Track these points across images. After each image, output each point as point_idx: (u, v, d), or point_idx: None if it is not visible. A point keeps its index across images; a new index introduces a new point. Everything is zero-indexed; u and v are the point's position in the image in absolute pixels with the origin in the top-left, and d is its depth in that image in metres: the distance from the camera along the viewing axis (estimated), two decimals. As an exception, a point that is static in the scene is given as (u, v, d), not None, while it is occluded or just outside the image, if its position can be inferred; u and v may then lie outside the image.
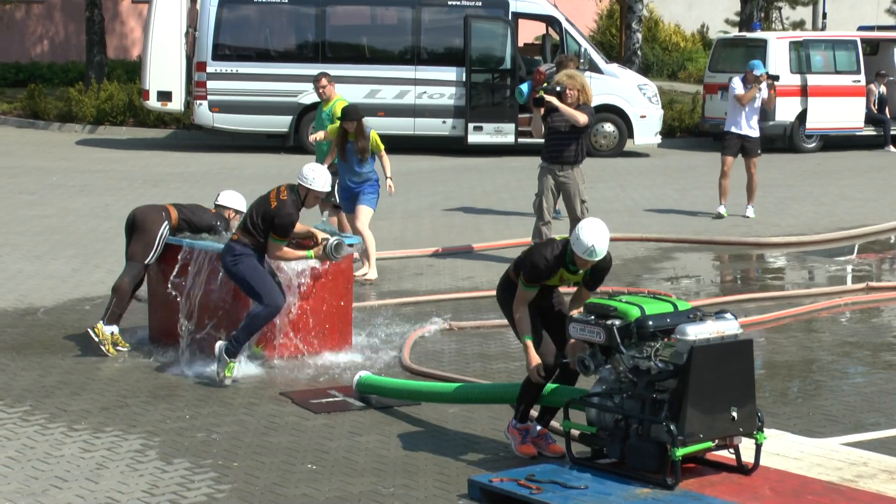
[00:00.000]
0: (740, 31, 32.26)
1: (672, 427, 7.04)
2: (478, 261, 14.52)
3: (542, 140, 13.16)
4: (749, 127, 17.37)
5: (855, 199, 19.42)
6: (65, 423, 8.61)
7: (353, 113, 12.88)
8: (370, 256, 13.13)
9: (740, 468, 7.35)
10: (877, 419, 8.90)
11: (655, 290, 12.26)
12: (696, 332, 7.19)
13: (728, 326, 7.34)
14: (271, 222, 9.45)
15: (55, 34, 38.25)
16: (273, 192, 9.61)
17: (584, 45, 25.02)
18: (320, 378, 9.76)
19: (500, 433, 8.41)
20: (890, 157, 25.61)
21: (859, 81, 26.08)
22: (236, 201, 10.80)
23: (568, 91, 12.44)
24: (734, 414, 7.22)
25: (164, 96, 24.48)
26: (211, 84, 24.04)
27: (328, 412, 8.88)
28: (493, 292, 11.40)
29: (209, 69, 24.02)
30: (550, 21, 25.31)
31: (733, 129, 17.40)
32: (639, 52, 31.17)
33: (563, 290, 8.22)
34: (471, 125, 24.36)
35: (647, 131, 25.09)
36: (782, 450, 7.78)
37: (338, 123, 13.17)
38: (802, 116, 25.71)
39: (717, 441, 7.28)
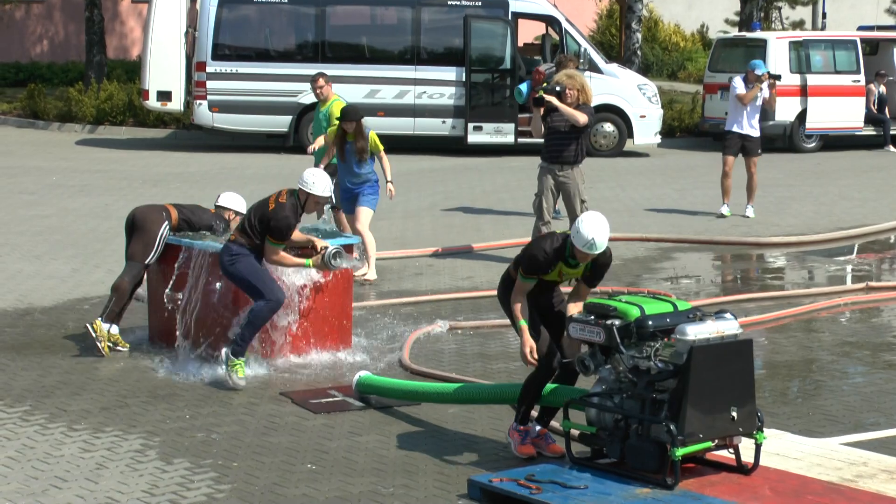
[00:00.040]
0: (740, 30, 32.27)
1: (672, 427, 7.04)
2: (477, 261, 14.52)
3: (542, 140, 13.16)
4: (750, 126, 17.37)
5: (854, 199, 19.42)
6: (65, 423, 8.61)
7: (352, 113, 12.85)
8: (370, 257, 13.12)
9: (740, 468, 7.35)
10: (876, 419, 8.90)
11: (655, 290, 12.26)
12: (696, 331, 7.20)
13: (728, 326, 7.34)
14: (267, 225, 9.43)
15: (55, 34, 38.25)
16: (273, 196, 9.61)
17: (584, 44, 25.02)
18: (320, 378, 9.76)
19: (500, 433, 8.42)
20: (889, 157, 25.61)
21: (859, 81, 26.08)
22: (236, 203, 10.81)
23: (568, 91, 12.43)
24: (734, 414, 7.22)
25: (164, 96, 24.49)
26: (210, 84, 24.04)
27: (328, 412, 8.88)
28: (494, 292, 11.39)
29: (209, 69, 24.02)
30: (550, 21, 25.31)
31: (734, 129, 17.40)
32: (638, 52, 31.17)
33: (563, 289, 8.22)
34: (470, 125, 24.36)
35: (646, 131, 25.09)
36: (782, 450, 7.78)
37: (337, 124, 13.17)
38: (802, 116, 25.71)
39: (716, 441, 7.28)
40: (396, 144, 21.19)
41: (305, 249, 9.86)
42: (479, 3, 24.58)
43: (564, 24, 24.85)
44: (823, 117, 25.77)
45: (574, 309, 7.88)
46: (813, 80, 25.57)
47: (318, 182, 9.56)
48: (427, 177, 21.39)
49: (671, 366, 7.19)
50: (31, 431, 8.45)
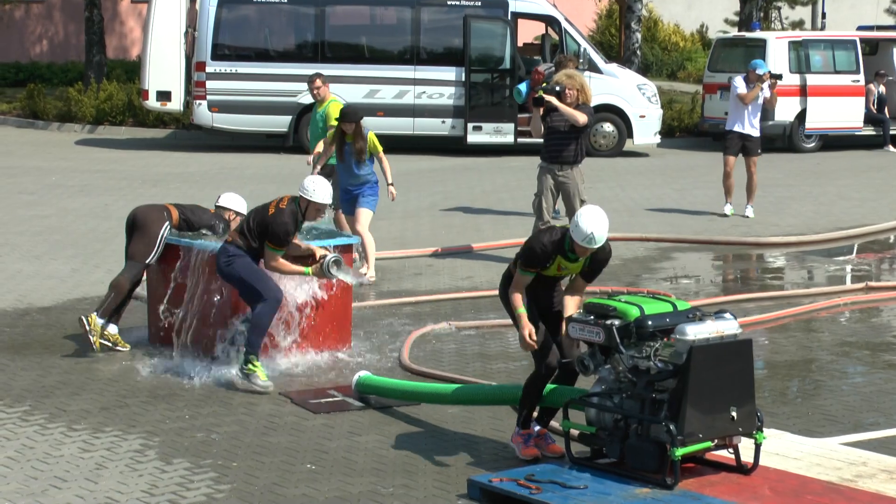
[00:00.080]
0: (739, 30, 32.27)
1: (671, 427, 7.04)
2: (477, 261, 14.52)
3: (542, 140, 13.16)
4: (751, 126, 17.39)
5: (854, 199, 19.42)
6: (64, 423, 8.61)
7: (351, 114, 12.80)
8: (369, 258, 13.10)
9: (740, 468, 7.35)
10: (876, 419, 8.90)
11: (655, 290, 12.27)
12: (696, 331, 7.19)
13: (727, 326, 7.34)
14: (266, 229, 9.41)
15: (55, 34, 38.25)
16: (275, 201, 9.57)
17: (584, 44, 25.02)
18: (320, 378, 9.76)
19: (500, 433, 8.42)
20: (889, 157, 25.61)
21: (858, 81, 26.08)
22: (237, 203, 10.81)
23: (567, 91, 12.43)
24: (733, 414, 7.22)
25: (164, 96, 24.49)
26: (210, 84, 24.04)
27: (327, 412, 8.88)
28: (493, 292, 11.39)
29: (208, 69, 24.02)
30: (550, 21, 25.32)
31: (735, 129, 17.41)
32: (638, 52, 31.18)
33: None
34: (470, 125, 24.37)
35: (646, 131, 25.09)
36: (782, 449, 7.79)
37: (334, 125, 13.16)
38: (802, 116, 25.71)
39: (716, 441, 7.28)
40: (396, 144, 21.20)
41: (305, 258, 9.81)
42: (479, 3, 24.59)
43: (564, 24, 24.85)
44: (823, 117, 25.78)
45: (570, 301, 7.85)
46: (812, 80, 25.57)
47: (319, 189, 9.52)
48: (427, 177, 21.39)
49: (671, 366, 7.19)
50: (31, 431, 8.45)
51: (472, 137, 24.44)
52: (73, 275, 13.42)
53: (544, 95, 12.47)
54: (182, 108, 24.86)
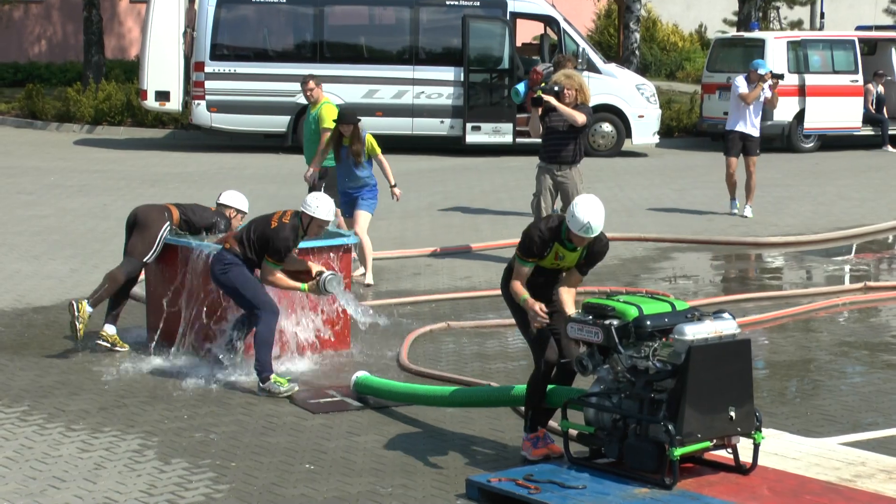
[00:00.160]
0: (738, 30, 32.28)
1: (670, 427, 7.04)
2: (476, 261, 14.52)
3: (540, 140, 13.16)
4: (752, 126, 17.40)
5: (853, 199, 19.43)
6: (63, 423, 8.61)
7: (349, 116, 12.72)
8: (367, 261, 13.06)
9: (738, 468, 7.35)
10: (875, 419, 8.91)
11: (653, 290, 12.27)
12: (694, 331, 7.19)
13: (726, 326, 7.34)
14: (267, 243, 9.38)
15: (53, 34, 38.25)
16: (277, 214, 9.53)
17: (582, 44, 25.02)
18: (318, 378, 9.75)
19: (499, 433, 8.43)
20: (888, 157, 25.62)
21: (857, 81, 26.08)
22: (238, 201, 10.81)
23: (566, 91, 12.42)
24: (732, 414, 7.22)
25: (162, 96, 24.48)
26: (209, 84, 24.04)
27: (326, 412, 8.88)
28: (492, 292, 11.41)
29: (207, 69, 24.02)
30: (548, 21, 25.32)
31: (737, 128, 17.42)
32: (637, 52, 31.19)
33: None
34: (469, 125, 24.37)
35: (645, 131, 25.09)
36: (780, 449, 7.79)
37: (325, 126, 13.13)
38: (800, 116, 25.71)
39: (715, 441, 7.28)
40: (395, 144, 21.20)
41: (301, 273, 9.77)
42: (478, 3, 24.58)
43: (563, 24, 24.86)
44: (822, 117, 25.77)
45: (566, 295, 7.83)
46: (811, 79, 25.57)
47: (322, 206, 9.49)
48: (425, 177, 21.39)
49: (669, 366, 7.19)
50: (30, 431, 8.45)
51: (471, 137, 24.44)
52: (71, 275, 13.41)
53: (543, 95, 12.48)
54: (181, 108, 24.85)
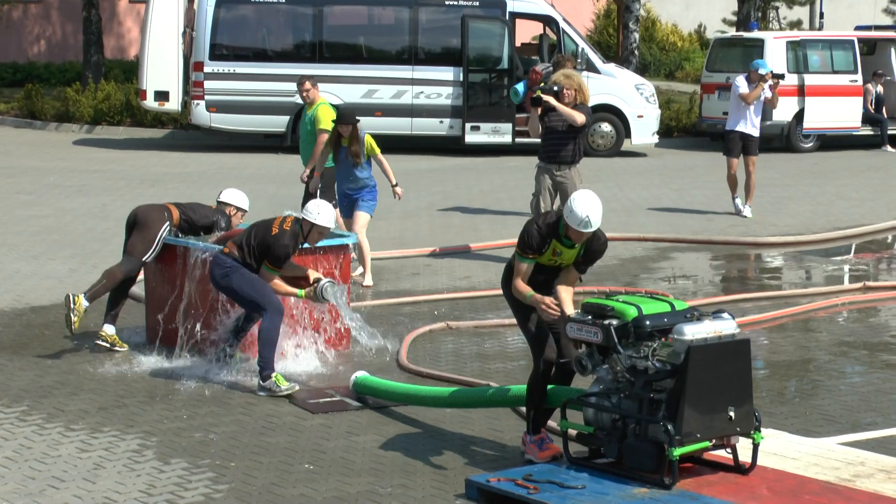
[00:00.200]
0: (737, 30, 32.28)
1: (669, 427, 7.04)
2: (475, 261, 14.52)
3: (540, 140, 13.16)
4: (752, 126, 17.41)
5: (852, 199, 19.43)
6: (62, 423, 8.61)
7: (348, 116, 12.64)
8: (366, 263, 13.05)
9: (737, 468, 7.35)
10: (874, 419, 8.91)
11: (653, 290, 12.27)
12: (694, 331, 7.19)
13: (725, 326, 7.34)
14: (267, 249, 9.38)
15: (52, 34, 38.24)
16: (278, 220, 9.52)
17: (582, 44, 25.02)
18: (318, 378, 9.75)
19: (498, 433, 8.43)
20: (887, 157, 25.62)
21: (856, 81, 26.09)
22: (238, 199, 10.82)
23: (565, 91, 12.43)
24: (731, 414, 7.22)
25: (162, 96, 24.48)
26: (208, 84, 24.04)
27: (326, 412, 8.88)
28: (491, 292, 11.41)
29: (206, 69, 24.02)
30: (548, 21, 25.33)
31: (737, 128, 17.42)
32: (636, 52, 31.19)
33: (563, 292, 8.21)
34: (468, 125, 24.37)
35: (644, 131, 25.09)
36: (779, 449, 7.79)
37: (323, 129, 13.12)
38: (799, 116, 25.71)
39: (714, 441, 7.28)
40: (394, 144, 21.20)
41: (299, 279, 9.76)
42: (477, 3, 24.59)
43: (562, 24, 24.86)
44: (821, 117, 25.78)
45: (563, 293, 7.82)
46: (810, 79, 25.57)
47: (323, 213, 9.49)
48: (425, 177, 21.38)
49: (669, 366, 7.19)
50: (29, 431, 8.45)
51: (470, 137, 24.45)
52: (70, 275, 13.41)
53: (542, 95, 12.48)
54: (180, 108, 24.85)
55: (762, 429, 7.45)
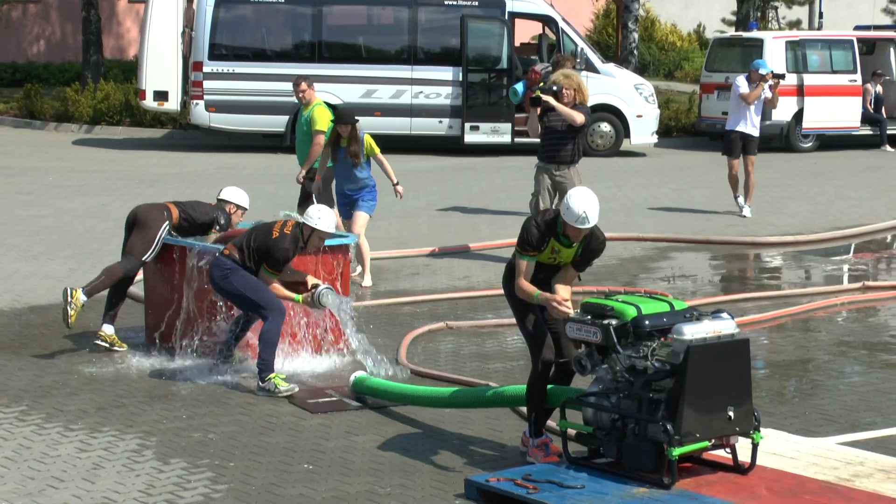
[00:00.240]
0: (737, 30, 32.28)
1: (669, 426, 7.04)
2: (474, 260, 14.52)
3: (539, 140, 13.16)
4: (752, 126, 17.42)
5: (851, 199, 19.43)
6: (61, 423, 8.60)
7: (347, 116, 12.62)
8: (365, 263, 13.04)
9: (737, 468, 7.35)
10: (873, 418, 8.91)
11: (652, 290, 12.27)
12: (693, 331, 7.19)
13: (724, 326, 7.33)
14: (267, 253, 9.38)
15: (52, 34, 38.24)
16: (279, 223, 9.51)
17: (581, 44, 25.03)
18: (317, 378, 9.75)
19: (497, 433, 8.42)
20: (886, 157, 25.63)
21: (856, 81, 26.09)
22: (238, 197, 10.82)
23: (564, 90, 12.43)
24: (731, 413, 7.22)
25: (161, 96, 24.49)
26: (207, 84, 24.04)
27: (325, 412, 8.88)
28: (491, 292, 11.40)
29: (205, 69, 24.02)
30: (547, 21, 25.33)
31: (738, 128, 17.42)
32: (635, 52, 31.19)
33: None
34: (467, 125, 24.37)
35: (643, 131, 25.09)
36: (779, 449, 7.79)
37: (319, 129, 13.12)
38: (799, 116, 25.72)
39: (713, 440, 7.28)
40: (393, 144, 21.19)
41: (296, 284, 9.75)
42: (476, 3, 24.59)
43: (561, 24, 24.86)
44: (820, 117, 25.78)
45: (560, 290, 7.81)
46: (809, 79, 25.58)
47: (324, 218, 9.49)
48: (424, 177, 21.38)
49: (668, 365, 7.19)
50: (28, 431, 8.44)
51: (470, 137, 24.45)
52: (70, 275, 13.41)
53: (541, 95, 12.48)
54: (179, 108, 24.85)
55: (761, 428, 7.45)
